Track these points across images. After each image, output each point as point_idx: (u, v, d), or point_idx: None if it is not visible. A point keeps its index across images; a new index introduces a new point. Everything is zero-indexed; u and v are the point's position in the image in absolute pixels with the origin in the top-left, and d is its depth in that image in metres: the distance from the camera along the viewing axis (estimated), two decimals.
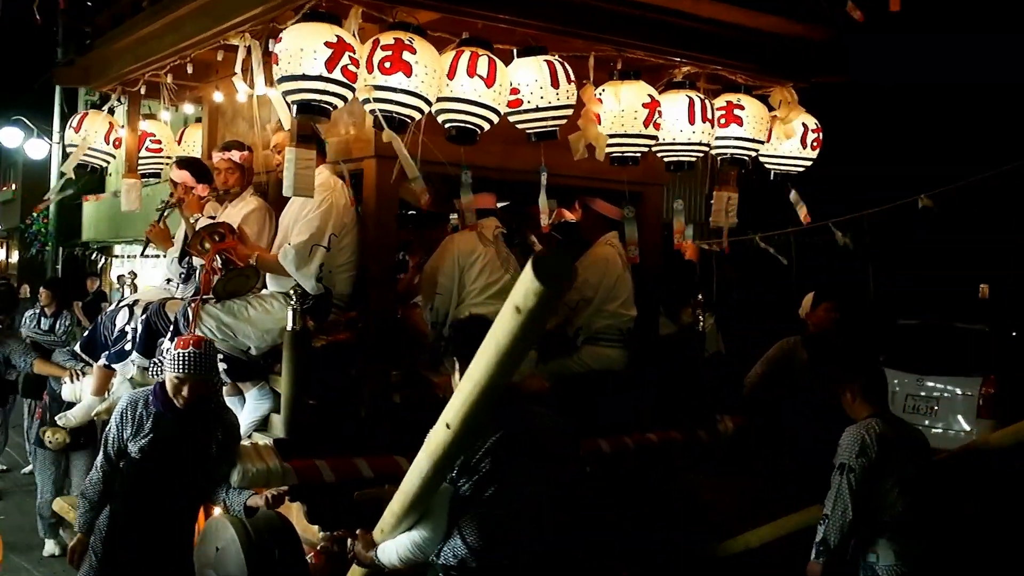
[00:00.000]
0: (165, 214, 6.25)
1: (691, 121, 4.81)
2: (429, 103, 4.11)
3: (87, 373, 6.61)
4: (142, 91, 5.96)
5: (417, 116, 4.12)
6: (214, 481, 4.16)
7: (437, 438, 2.70)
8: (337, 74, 3.90)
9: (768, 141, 5.17)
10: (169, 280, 5.89)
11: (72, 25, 6.88)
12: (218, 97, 6.02)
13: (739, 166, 5.21)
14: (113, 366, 5.47)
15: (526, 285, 2.13)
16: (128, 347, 5.38)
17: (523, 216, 5.62)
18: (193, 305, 4.51)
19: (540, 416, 3.22)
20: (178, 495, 4.10)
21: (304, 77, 3.89)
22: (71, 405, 6.04)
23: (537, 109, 4.33)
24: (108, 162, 6.49)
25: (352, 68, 3.94)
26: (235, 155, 5.37)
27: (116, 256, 26.02)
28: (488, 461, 2.95)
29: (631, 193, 5.29)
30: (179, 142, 6.84)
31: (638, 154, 4.73)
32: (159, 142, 6.66)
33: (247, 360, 4.60)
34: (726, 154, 5.07)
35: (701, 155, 4.96)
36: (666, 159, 4.95)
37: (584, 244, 5.65)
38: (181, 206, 5.49)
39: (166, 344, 5.06)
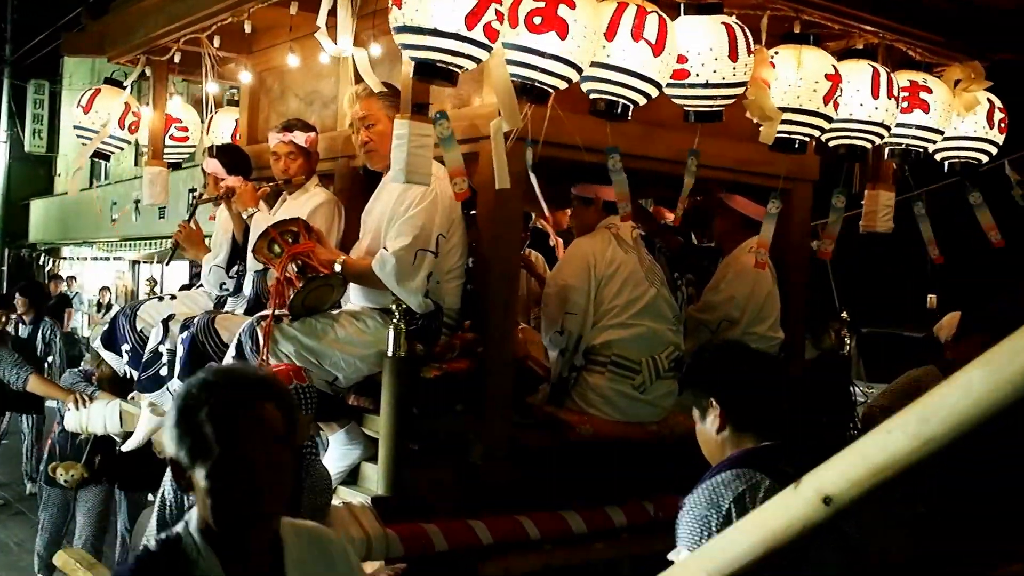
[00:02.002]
0: (196, 210, 5.28)
1: (875, 95, 3.87)
2: (580, 71, 3.16)
3: (97, 398, 5.63)
4: (176, 59, 4.93)
5: (564, 87, 3.17)
6: None
7: (790, 514, 1.68)
8: (478, 32, 2.93)
9: None
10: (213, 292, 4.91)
11: None
12: (245, 77, 4.99)
13: (906, 160, 4.30)
14: (147, 395, 4.48)
15: None
16: (164, 372, 4.38)
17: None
18: (264, 324, 3.50)
19: None
20: None
21: (436, 32, 2.92)
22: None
23: (707, 85, 3.38)
24: (121, 148, 5.47)
25: (496, 25, 2.98)
26: (299, 137, 4.38)
27: (64, 258, 25.03)
28: None
29: (767, 189, 4.39)
30: (207, 131, 5.83)
31: (807, 138, 3.79)
32: (185, 129, 5.66)
33: (333, 394, 3.60)
34: (901, 144, 4.14)
35: (878, 140, 4.02)
36: (837, 142, 4.00)
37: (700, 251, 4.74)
38: (228, 200, 4.49)
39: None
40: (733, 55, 3.34)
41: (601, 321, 3.88)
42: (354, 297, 3.73)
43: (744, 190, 4.49)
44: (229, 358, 3.61)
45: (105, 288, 20.00)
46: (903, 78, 4.07)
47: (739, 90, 3.41)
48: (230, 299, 4.66)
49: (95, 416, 5.50)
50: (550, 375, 4.09)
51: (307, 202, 4.34)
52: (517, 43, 3.04)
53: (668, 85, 3.41)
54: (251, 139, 5.39)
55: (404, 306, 3.45)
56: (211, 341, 3.99)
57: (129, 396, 5.43)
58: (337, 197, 4.42)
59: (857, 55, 3.96)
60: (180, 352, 4.13)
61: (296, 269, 3.55)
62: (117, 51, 5.36)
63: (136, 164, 14.54)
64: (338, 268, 3.57)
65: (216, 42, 4.55)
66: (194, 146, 5.71)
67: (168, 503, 3.09)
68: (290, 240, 3.60)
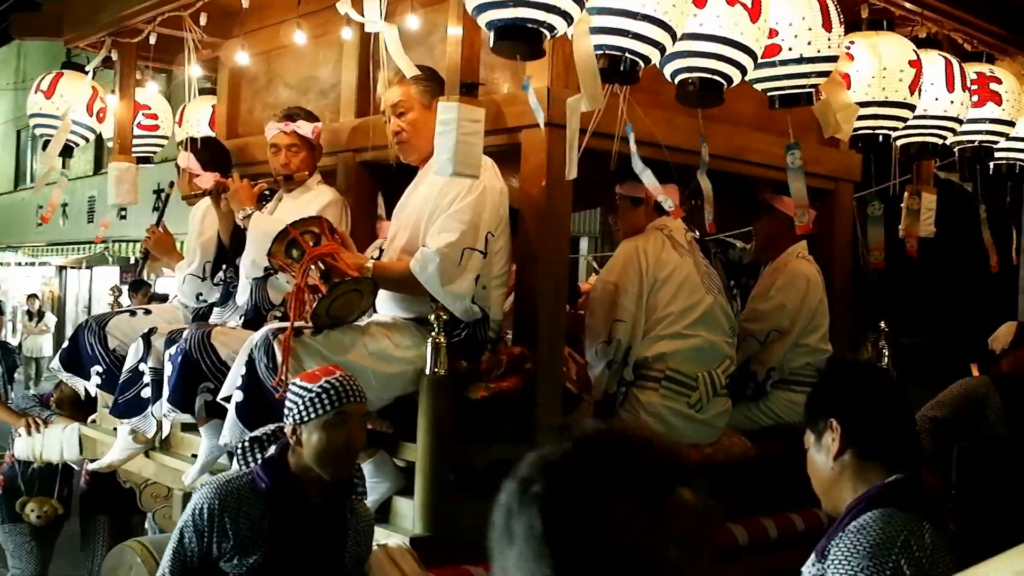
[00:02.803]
0: (164, 214, 4.75)
1: (949, 88, 3.55)
2: (674, 39, 2.75)
3: (51, 423, 5.06)
4: (152, 40, 4.38)
5: (656, 58, 2.76)
6: None
7: None
8: None
9: None
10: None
11: None
12: (242, 58, 4.48)
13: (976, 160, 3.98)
14: (125, 422, 3.93)
15: None
16: (146, 394, 3.85)
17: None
18: (282, 337, 3.01)
19: None
20: None
21: None
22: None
23: (801, 60, 3.01)
24: (88, 139, 4.92)
25: None
26: (303, 127, 3.89)
27: None
28: None
29: (814, 190, 4.04)
30: (179, 122, 5.29)
31: (892, 132, 3.44)
32: (155, 116, 5.11)
33: None
34: (974, 141, 3.83)
35: (950, 137, 3.70)
36: (908, 139, 3.67)
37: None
38: (218, 197, 3.97)
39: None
40: (827, 24, 2.98)
41: (654, 330, 3.47)
42: (384, 306, 3.25)
43: (784, 189, 4.12)
44: (237, 377, 3.11)
45: (33, 296, 18.98)
46: (970, 70, 3.75)
47: (832, 65, 3.04)
48: (216, 310, 4.14)
49: (51, 442, 4.94)
50: (584, 391, 3.67)
51: (312, 201, 3.85)
52: (600, 5, 2.62)
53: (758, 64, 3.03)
54: (231, 132, 4.87)
55: (445, 316, 2.98)
56: (207, 359, 3.48)
57: (89, 419, 4.89)
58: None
59: (926, 44, 3.64)
60: (168, 371, 3.61)
61: (319, 274, 3.06)
62: (79, 33, 4.79)
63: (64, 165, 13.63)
64: (368, 273, 3.09)
65: (203, 19, 4.02)
66: (165, 137, 5.17)
67: (189, 550, 2.58)
68: (311, 242, 3.11)
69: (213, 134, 4.87)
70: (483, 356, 3.13)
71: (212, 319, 4.12)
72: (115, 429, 4.46)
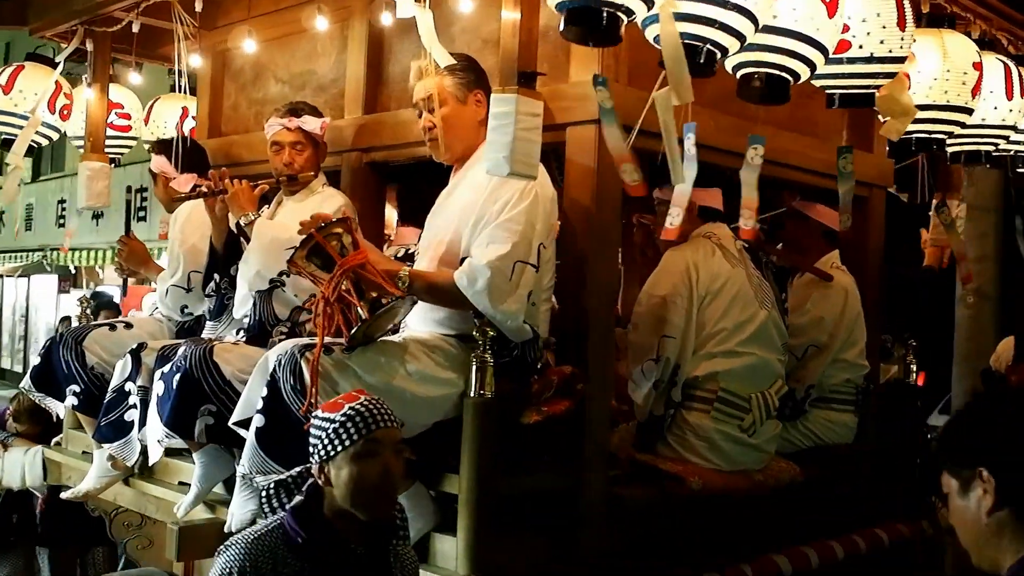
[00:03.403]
0: (133, 223, 4.38)
1: (1008, 96, 3.36)
2: (756, 28, 2.49)
3: (9, 446, 4.64)
4: (135, 28, 4.00)
5: (734, 48, 2.50)
6: None
7: None
8: None
9: None
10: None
11: None
12: (250, 45, 4.12)
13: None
14: (108, 446, 3.55)
15: None
16: (131, 416, 3.48)
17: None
18: (310, 354, 2.67)
19: None
20: None
21: None
22: None
23: (871, 59, 2.77)
24: (50, 138, 4.53)
25: None
26: (309, 122, 3.56)
27: None
28: None
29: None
30: (147, 120, 4.91)
31: (945, 137, 3.25)
32: (127, 116, 4.73)
33: None
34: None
35: (1003, 145, 3.52)
36: (960, 147, 3.47)
37: None
38: (212, 200, 3.61)
39: (151, 423, 3.24)
40: (902, 23, 2.74)
41: (705, 347, 3.21)
42: (420, 321, 2.93)
43: (814, 195, 3.91)
44: (257, 399, 2.76)
45: None
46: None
47: (900, 67, 2.81)
48: (209, 323, 3.77)
49: (12, 467, 4.52)
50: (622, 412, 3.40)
51: (319, 205, 3.50)
52: None
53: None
54: (213, 131, 4.51)
55: (492, 332, 2.68)
56: (210, 378, 3.13)
57: (53, 441, 4.48)
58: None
59: (984, 46, 3.45)
60: (160, 389, 3.25)
61: (351, 287, 2.73)
62: (46, 21, 4.39)
63: None
64: (403, 285, 2.76)
65: (198, 5, 3.66)
66: (135, 138, 4.78)
67: None
68: (338, 248, 2.78)
69: (183, 135, 4.49)
70: (533, 377, 2.83)
71: (205, 333, 3.75)
72: (84, 452, 4.09)
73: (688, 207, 3.36)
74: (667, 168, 2.73)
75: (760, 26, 2.47)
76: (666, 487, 3.06)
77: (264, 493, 2.46)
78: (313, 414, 2.42)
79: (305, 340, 2.80)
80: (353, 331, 2.67)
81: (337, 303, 2.73)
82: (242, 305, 3.52)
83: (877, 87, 2.82)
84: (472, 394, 2.68)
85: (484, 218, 2.78)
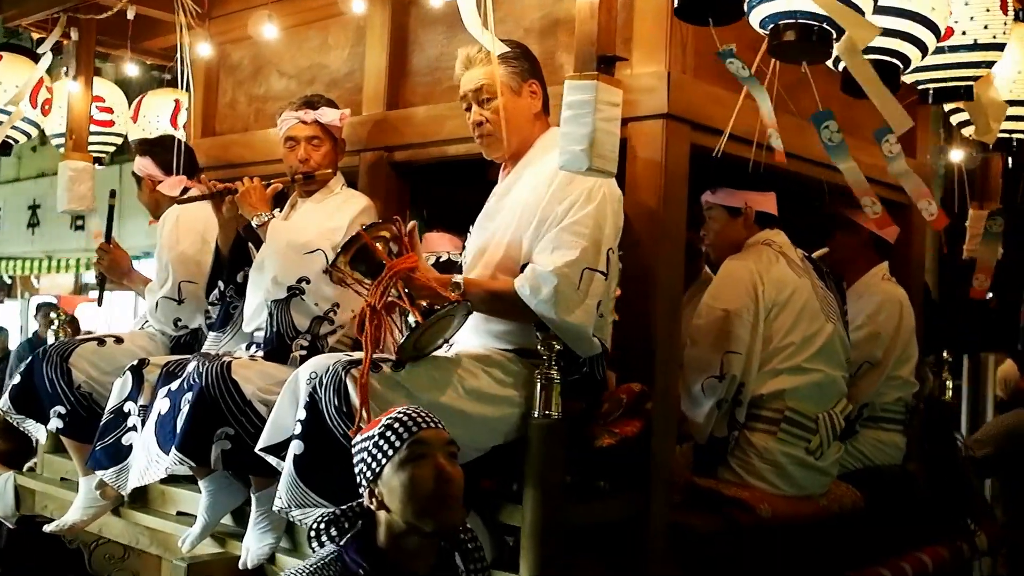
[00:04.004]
0: (114, 229, 4.01)
1: None
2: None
3: None
4: (130, 15, 3.67)
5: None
6: None
7: None
8: None
9: None
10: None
11: None
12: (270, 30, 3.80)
13: None
14: (100, 474, 3.19)
15: None
16: (130, 440, 3.13)
17: None
18: (356, 371, 2.36)
19: None
20: None
21: None
22: None
23: (974, 47, 2.56)
24: (29, 135, 4.16)
25: None
26: (327, 115, 3.26)
27: None
28: None
29: (893, 204, 3.64)
30: (135, 117, 4.55)
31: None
32: (109, 111, 4.37)
33: None
34: None
35: None
36: None
37: None
38: (220, 200, 3.29)
39: (147, 444, 2.93)
40: (1004, 5, 2.55)
41: (771, 363, 2.96)
42: (473, 334, 2.63)
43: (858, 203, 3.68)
44: (293, 424, 2.45)
45: None
46: None
47: (1000, 55, 2.61)
48: (212, 335, 3.43)
49: None
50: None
51: (340, 208, 3.22)
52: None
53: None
54: (207, 130, 4.18)
55: (559, 346, 2.41)
56: (229, 398, 2.81)
57: (26, 467, 4.09)
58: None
59: None
60: (164, 408, 2.92)
61: (403, 294, 2.43)
62: (23, 8, 4.03)
63: None
64: (457, 292, 2.47)
65: None
66: (120, 135, 4.43)
67: None
68: (389, 252, 2.48)
69: (178, 133, 4.15)
70: (602, 395, 2.56)
71: (207, 346, 3.42)
72: (63, 479, 3.72)
73: (745, 214, 3.18)
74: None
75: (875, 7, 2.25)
76: (731, 514, 2.81)
77: (312, 530, 2.15)
78: (353, 440, 2.14)
79: (343, 355, 2.49)
80: (403, 342, 2.38)
81: (385, 312, 2.44)
82: (255, 317, 3.21)
83: (976, 78, 2.62)
84: (537, 415, 2.40)
85: (547, 220, 2.51)
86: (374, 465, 2.02)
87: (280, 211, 3.36)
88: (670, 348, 2.72)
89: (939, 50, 2.56)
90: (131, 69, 4.26)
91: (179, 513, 3.27)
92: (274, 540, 2.87)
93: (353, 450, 2.10)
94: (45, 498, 3.89)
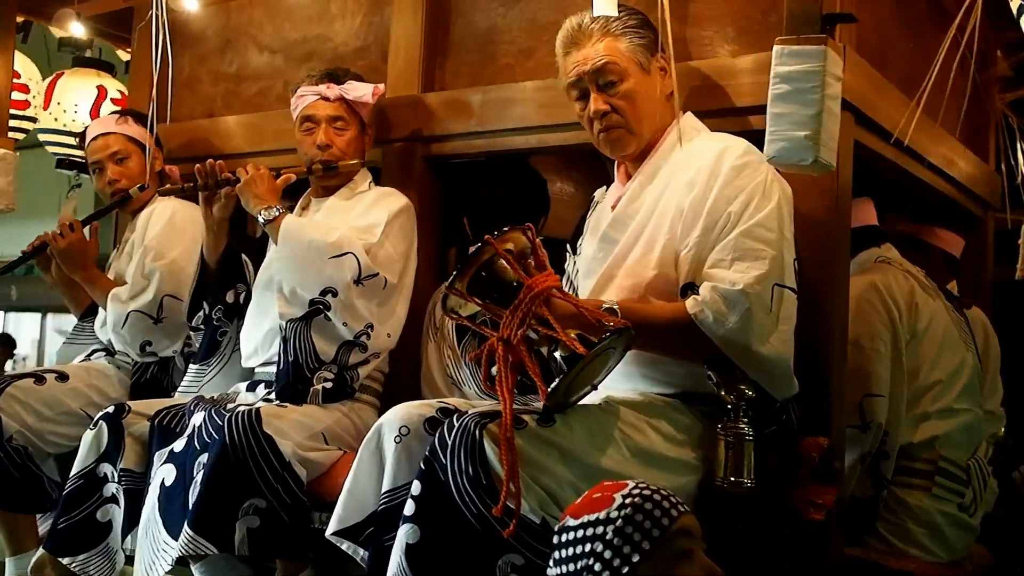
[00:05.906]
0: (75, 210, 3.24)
1: None
2: None
3: None
4: None
5: None
6: None
7: None
8: None
9: None
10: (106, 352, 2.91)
11: None
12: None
13: None
14: (70, 560, 2.39)
15: None
16: (106, 515, 2.38)
17: None
18: (494, 426, 1.71)
19: None
20: None
21: None
22: None
23: None
24: None
25: None
26: (356, 89, 2.59)
27: None
28: None
29: (967, 213, 3.28)
30: (46, 103, 3.70)
31: None
32: (25, 89, 3.55)
33: None
34: None
35: None
36: None
37: None
38: (212, 193, 2.57)
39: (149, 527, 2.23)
40: None
41: (919, 405, 2.46)
42: (616, 374, 1.99)
43: (929, 217, 3.27)
44: (409, 500, 1.76)
45: None
46: None
47: None
48: (193, 368, 2.68)
49: None
50: None
51: (374, 206, 2.54)
52: None
53: None
54: (159, 116, 3.36)
55: (751, 393, 1.84)
56: (263, 458, 2.11)
57: None
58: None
59: None
60: (169, 477, 2.18)
61: (549, 325, 1.79)
62: None
63: None
64: (615, 319, 1.84)
65: None
66: (33, 119, 3.59)
67: None
68: (521, 268, 1.83)
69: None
70: (797, 451, 1.98)
71: (187, 383, 2.65)
72: (3, 563, 2.86)
73: None
74: None
75: None
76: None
77: None
78: (558, 527, 1.52)
79: (481, 409, 1.83)
80: (555, 384, 1.74)
81: (523, 346, 1.80)
82: (262, 348, 2.50)
83: None
84: (722, 480, 1.83)
85: (717, 224, 1.92)
86: (617, 563, 1.41)
87: (291, 209, 2.66)
88: (842, 390, 2.18)
89: None
90: (76, 28, 3.42)
91: None
92: None
93: (562, 543, 1.48)
94: None
